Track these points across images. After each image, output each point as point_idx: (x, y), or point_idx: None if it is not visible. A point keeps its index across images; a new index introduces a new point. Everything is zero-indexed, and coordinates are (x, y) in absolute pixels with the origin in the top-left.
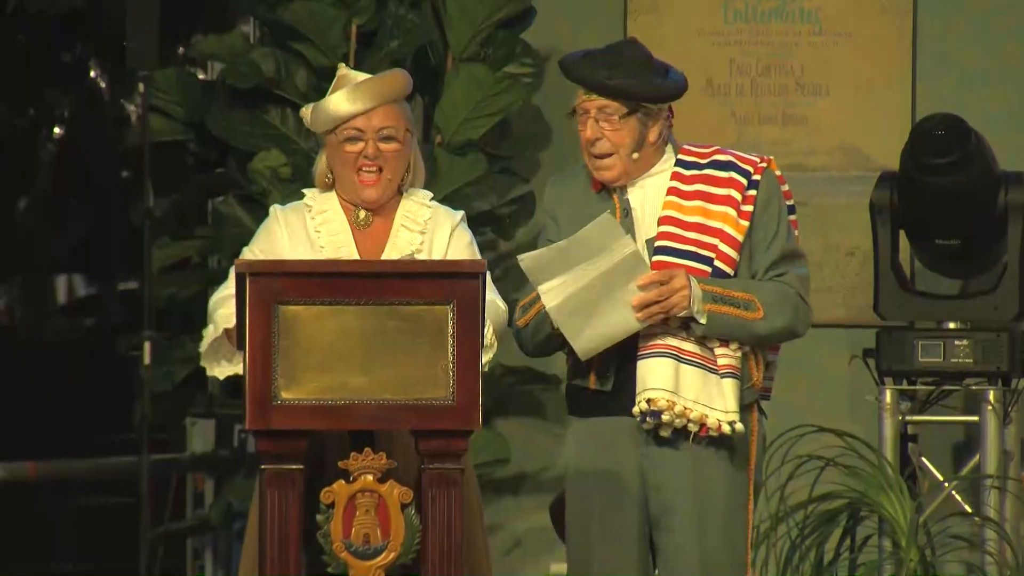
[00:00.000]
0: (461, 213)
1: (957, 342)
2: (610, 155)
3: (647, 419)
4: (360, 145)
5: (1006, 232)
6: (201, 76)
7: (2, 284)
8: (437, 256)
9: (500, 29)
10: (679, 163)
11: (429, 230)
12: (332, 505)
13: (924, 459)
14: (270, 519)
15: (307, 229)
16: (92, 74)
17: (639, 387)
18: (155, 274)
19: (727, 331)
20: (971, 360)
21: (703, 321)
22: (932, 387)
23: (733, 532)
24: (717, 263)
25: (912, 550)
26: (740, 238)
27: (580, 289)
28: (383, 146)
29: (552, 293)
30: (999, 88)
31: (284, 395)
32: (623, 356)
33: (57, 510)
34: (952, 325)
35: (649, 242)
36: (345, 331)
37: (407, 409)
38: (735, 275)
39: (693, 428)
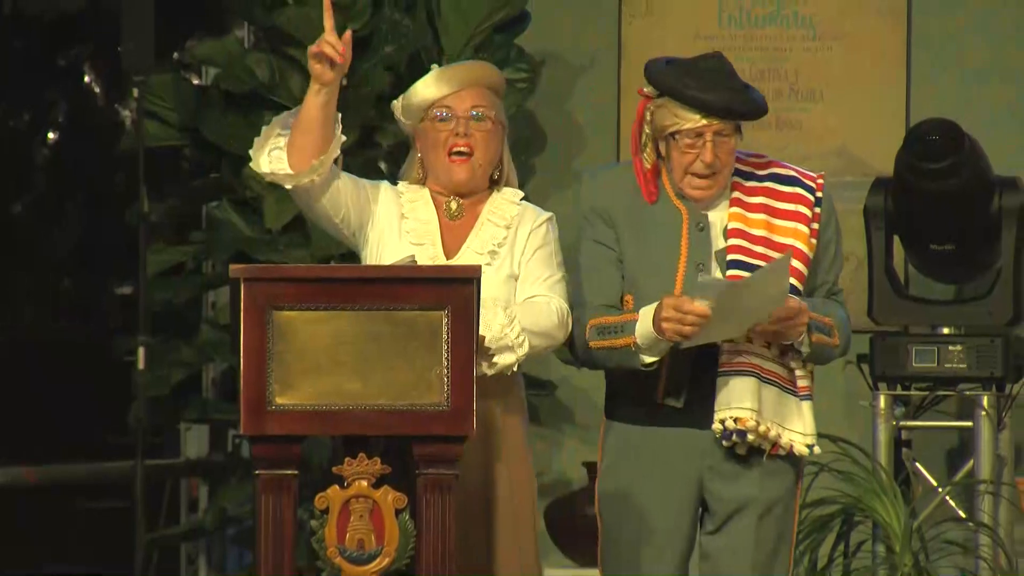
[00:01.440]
0: (549, 215)
1: (951, 347)
2: (715, 174)
3: (732, 436)
4: (451, 124)
5: (1000, 237)
6: (196, 81)
7: None
8: (517, 254)
9: (495, 34)
10: (736, 173)
11: (514, 227)
12: (326, 510)
13: (918, 464)
14: (264, 524)
15: (395, 212)
16: (87, 79)
17: (721, 404)
18: (150, 279)
19: (816, 356)
20: (965, 365)
21: (805, 351)
22: (926, 392)
23: (783, 540)
24: (790, 279)
25: (906, 555)
26: (811, 255)
27: (723, 312)
28: (474, 125)
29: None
30: (994, 91)
31: (279, 400)
32: (696, 371)
33: (52, 514)
34: (946, 330)
35: (719, 254)
36: (340, 336)
37: (401, 415)
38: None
39: (766, 447)
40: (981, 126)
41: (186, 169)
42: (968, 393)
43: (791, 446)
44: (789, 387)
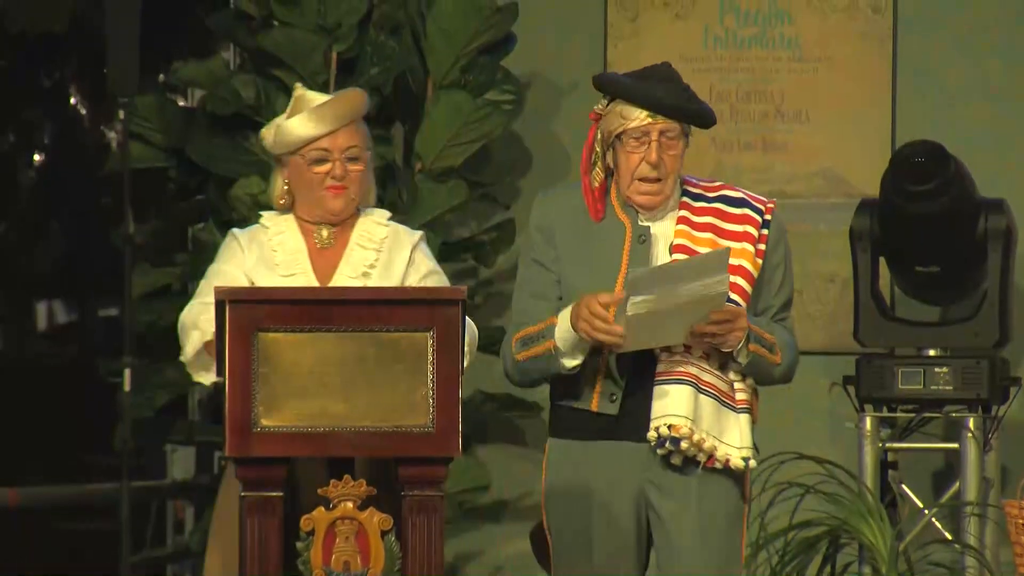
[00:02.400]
0: (420, 233)
1: (937, 369)
2: (660, 180)
3: (665, 444)
4: (327, 166)
5: (986, 259)
6: (181, 103)
7: None
8: (395, 275)
9: (480, 56)
10: (685, 193)
11: (386, 249)
12: (312, 532)
13: (904, 486)
14: (250, 546)
15: (263, 249)
16: (72, 100)
17: (657, 412)
18: (135, 300)
19: (754, 370)
20: (951, 387)
21: (743, 361)
22: (912, 414)
23: (731, 562)
24: (733, 296)
25: None
26: (756, 275)
27: (661, 310)
28: (350, 167)
29: (637, 304)
30: (979, 112)
31: (264, 422)
32: (633, 381)
33: (37, 536)
34: (932, 352)
35: None
36: (325, 358)
37: (387, 436)
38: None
39: (702, 458)
40: (966, 148)
41: (172, 191)
42: (954, 415)
43: (727, 459)
44: (727, 400)
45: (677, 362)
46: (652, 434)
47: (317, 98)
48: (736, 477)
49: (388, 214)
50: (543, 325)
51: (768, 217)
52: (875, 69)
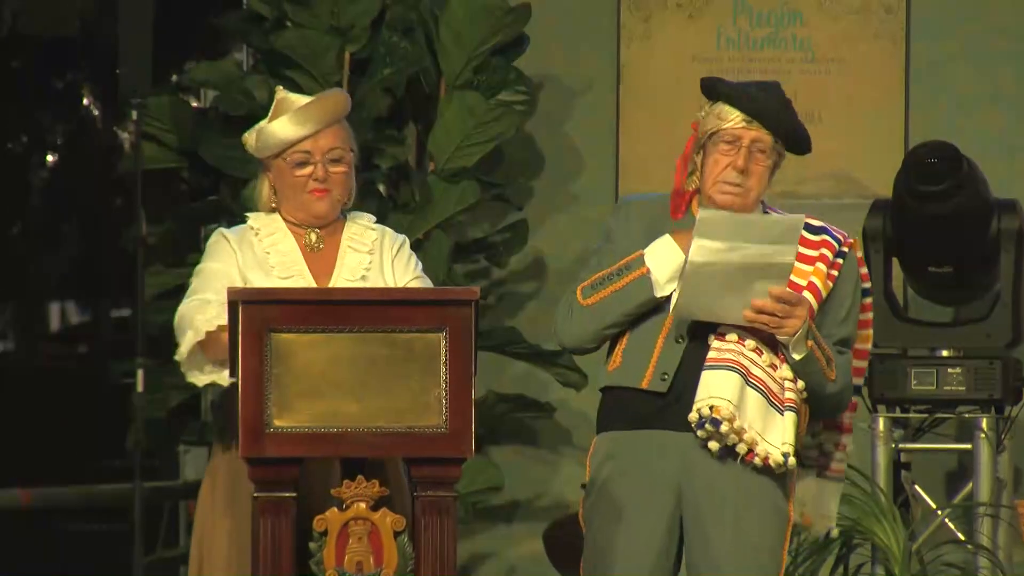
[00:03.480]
0: (404, 237)
1: (950, 370)
2: (743, 187)
3: (705, 426)
4: (309, 168)
5: (998, 260)
6: (194, 103)
7: None
8: (388, 278)
9: (493, 56)
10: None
11: (377, 251)
12: (325, 532)
13: (917, 487)
14: (263, 547)
15: (256, 251)
16: (85, 101)
17: (701, 394)
18: (148, 301)
19: (808, 372)
20: (964, 388)
21: (797, 357)
22: (925, 415)
23: (766, 564)
24: None
25: None
26: (824, 295)
27: (727, 264)
28: (331, 168)
29: (703, 250)
30: (992, 113)
31: (277, 423)
32: (683, 367)
33: (50, 537)
34: (945, 353)
35: None
36: (337, 359)
37: (400, 437)
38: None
39: (742, 450)
40: (979, 149)
41: (184, 191)
42: (967, 415)
43: (767, 456)
44: (774, 400)
45: (729, 351)
46: (693, 415)
47: (299, 100)
48: (779, 480)
49: (373, 218)
50: (620, 264)
51: (845, 249)
52: (888, 70)
